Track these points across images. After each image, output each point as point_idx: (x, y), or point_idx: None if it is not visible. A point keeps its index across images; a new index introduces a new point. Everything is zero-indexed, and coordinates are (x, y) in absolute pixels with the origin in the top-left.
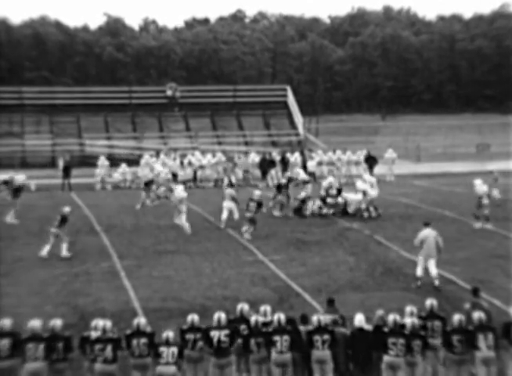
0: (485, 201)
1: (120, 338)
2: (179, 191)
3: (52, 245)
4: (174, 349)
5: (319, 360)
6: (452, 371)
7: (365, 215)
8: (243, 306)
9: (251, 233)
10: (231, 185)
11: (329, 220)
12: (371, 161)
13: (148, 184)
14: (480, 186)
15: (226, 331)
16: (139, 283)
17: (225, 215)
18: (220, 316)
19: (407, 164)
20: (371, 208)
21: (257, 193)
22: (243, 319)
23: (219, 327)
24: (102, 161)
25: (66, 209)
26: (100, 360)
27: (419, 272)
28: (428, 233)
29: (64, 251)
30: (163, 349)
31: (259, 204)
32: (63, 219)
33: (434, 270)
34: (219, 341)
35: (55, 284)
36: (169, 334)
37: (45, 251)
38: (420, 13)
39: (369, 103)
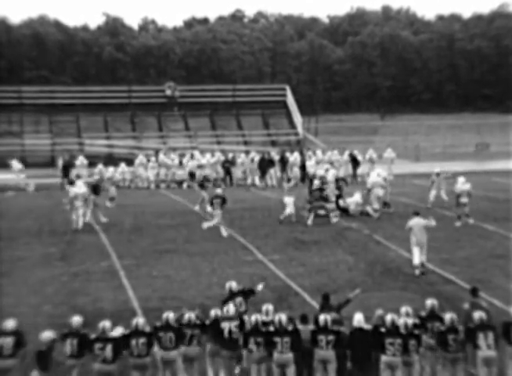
0: (463, 200)
1: (120, 338)
2: (78, 186)
3: (221, 223)
4: (172, 335)
5: (323, 360)
6: (447, 370)
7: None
8: (231, 284)
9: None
10: (289, 180)
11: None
12: (354, 162)
13: (203, 182)
14: (462, 184)
15: (236, 322)
16: (138, 282)
17: (288, 210)
18: (229, 307)
19: (406, 163)
20: (375, 206)
21: (316, 182)
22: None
23: (229, 317)
24: (81, 161)
25: (219, 190)
26: (99, 360)
27: (415, 260)
28: (417, 222)
29: (224, 231)
30: (161, 334)
31: (322, 190)
32: (223, 201)
33: (419, 258)
34: (230, 332)
35: (55, 284)
36: (169, 315)
37: (223, 231)
38: (419, 13)
39: (369, 103)
